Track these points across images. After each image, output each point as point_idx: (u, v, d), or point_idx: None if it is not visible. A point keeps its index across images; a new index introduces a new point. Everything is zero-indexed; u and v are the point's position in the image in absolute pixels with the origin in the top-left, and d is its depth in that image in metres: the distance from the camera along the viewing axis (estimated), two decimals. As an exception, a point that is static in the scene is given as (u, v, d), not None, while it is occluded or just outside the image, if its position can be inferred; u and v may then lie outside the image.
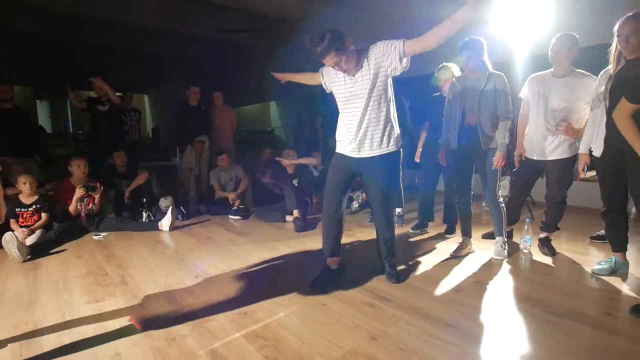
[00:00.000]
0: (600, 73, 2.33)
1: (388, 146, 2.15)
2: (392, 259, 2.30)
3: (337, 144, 2.24)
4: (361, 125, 2.08)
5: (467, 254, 2.69)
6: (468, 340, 1.58)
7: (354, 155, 2.14)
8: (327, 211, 2.21)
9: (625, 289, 2.07)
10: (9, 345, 1.63)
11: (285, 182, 4.04)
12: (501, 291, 2.10)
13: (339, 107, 2.19)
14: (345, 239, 2.55)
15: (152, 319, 1.84)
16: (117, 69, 10.73)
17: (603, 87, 2.21)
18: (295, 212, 3.68)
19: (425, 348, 1.53)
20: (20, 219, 3.21)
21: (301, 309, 1.90)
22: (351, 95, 2.08)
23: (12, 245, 2.69)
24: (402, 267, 2.45)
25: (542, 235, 2.78)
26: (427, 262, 2.57)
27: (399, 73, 2.04)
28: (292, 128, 9.00)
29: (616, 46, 2.10)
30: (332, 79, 2.15)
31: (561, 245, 2.84)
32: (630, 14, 2.00)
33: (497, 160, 2.48)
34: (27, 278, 2.45)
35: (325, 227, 2.24)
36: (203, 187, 4.76)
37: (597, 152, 2.26)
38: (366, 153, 2.12)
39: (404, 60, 1.98)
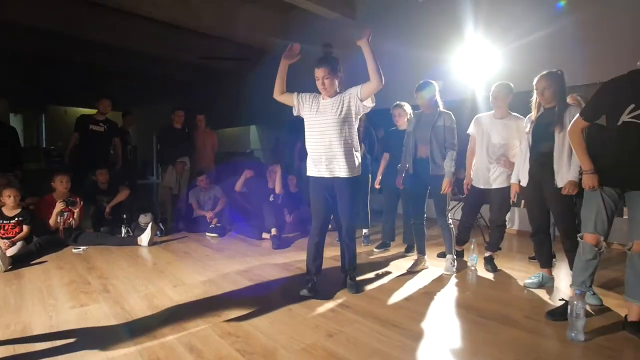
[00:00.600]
0: (526, 118, 2.78)
1: (353, 172, 2.44)
2: (352, 273, 2.61)
3: (307, 167, 2.55)
4: (326, 150, 2.39)
5: (421, 270, 3.03)
6: (410, 337, 1.89)
7: (327, 175, 2.44)
8: (314, 231, 2.49)
9: (546, 298, 2.45)
10: (6, 339, 1.80)
11: (262, 199, 4.32)
12: (445, 300, 2.43)
13: (306, 132, 2.50)
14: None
15: (135, 321, 2.05)
16: (97, 87, 10.88)
17: (527, 129, 2.67)
18: (273, 230, 3.95)
19: (373, 342, 1.82)
20: (2, 231, 3.32)
21: (269, 312, 2.16)
22: (318, 123, 2.42)
23: (-5, 255, 2.82)
24: (362, 279, 2.75)
25: (487, 254, 3.16)
26: (385, 277, 2.88)
27: (363, 111, 2.43)
28: (270, 150, 9.34)
29: (536, 97, 2.56)
30: (305, 105, 2.48)
31: (503, 263, 3.22)
32: (544, 72, 2.47)
33: (445, 185, 2.87)
34: (11, 286, 2.58)
35: (313, 247, 2.49)
36: (181, 205, 4.95)
37: (524, 182, 2.68)
38: (336, 174, 2.42)
39: (366, 100, 2.36)
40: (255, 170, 4.71)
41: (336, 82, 2.40)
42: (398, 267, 3.14)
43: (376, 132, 3.98)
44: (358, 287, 2.54)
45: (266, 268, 3.08)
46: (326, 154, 2.41)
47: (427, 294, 2.52)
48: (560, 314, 2.09)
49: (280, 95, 2.53)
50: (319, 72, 2.36)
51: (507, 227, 3.36)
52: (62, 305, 2.25)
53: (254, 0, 6.87)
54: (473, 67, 4.78)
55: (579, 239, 2.10)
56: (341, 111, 2.37)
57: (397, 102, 3.57)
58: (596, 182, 1.97)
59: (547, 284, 2.68)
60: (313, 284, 2.44)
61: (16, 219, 3.38)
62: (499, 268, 3.07)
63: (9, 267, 2.93)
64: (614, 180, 1.95)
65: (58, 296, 2.40)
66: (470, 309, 2.27)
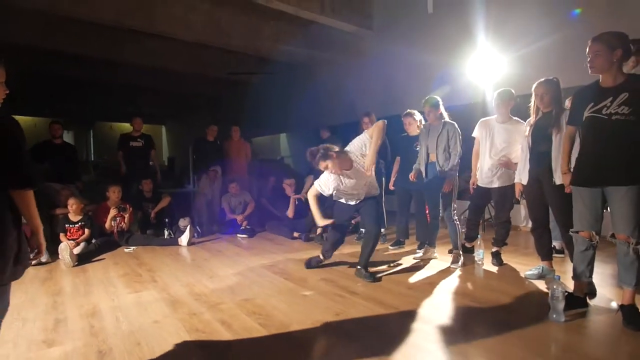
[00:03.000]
0: (526, 122, 2.99)
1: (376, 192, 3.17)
2: (366, 265, 2.96)
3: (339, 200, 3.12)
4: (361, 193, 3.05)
5: (428, 259, 3.35)
6: (407, 317, 2.19)
7: (353, 203, 3.07)
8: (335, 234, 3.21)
9: (543, 287, 2.65)
10: (79, 318, 2.29)
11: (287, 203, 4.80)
12: (445, 289, 2.70)
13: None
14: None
15: (178, 302, 2.49)
16: (138, 103, 11.90)
17: (527, 132, 2.89)
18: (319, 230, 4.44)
19: (373, 321, 2.16)
20: (68, 234, 3.93)
21: (287, 297, 2.54)
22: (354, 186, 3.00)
23: (66, 253, 3.41)
24: (374, 271, 3.06)
25: (494, 249, 3.37)
26: (395, 270, 3.18)
27: None
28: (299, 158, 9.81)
29: (534, 102, 2.79)
30: (332, 184, 2.99)
31: (510, 258, 3.41)
32: (542, 79, 2.70)
33: (446, 186, 3.17)
34: (79, 278, 3.13)
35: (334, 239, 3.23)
36: (216, 210, 5.47)
37: (524, 181, 2.90)
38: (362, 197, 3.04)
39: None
40: (282, 176, 5.19)
41: (338, 160, 2.88)
42: (408, 261, 3.42)
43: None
44: (373, 277, 2.88)
45: (289, 263, 3.46)
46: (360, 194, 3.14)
47: (431, 284, 2.80)
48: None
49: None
50: (322, 167, 2.91)
51: (523, 225, 3.55)
52: (121, 292, 2.74)
53: (278, 18, 7.36)
54: (483, 72, 4.97)
55: (570, 233, 2.30)
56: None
57: (408, 111, 3.87)
58: (567, 181, 2.20)
59: (547, 275, 2.87)
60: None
61: (79, 223, 3.99)
62: (504, 262, 3.28)
63: (76, 263, 3.51)
64: (580, 179, 2.16)
65: (117, 285, 2.91)
66: (466, 295, 2.53)
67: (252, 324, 2.12)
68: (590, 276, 2.27)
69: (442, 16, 5.49)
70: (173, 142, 17.38)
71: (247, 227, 4.91)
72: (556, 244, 3.47)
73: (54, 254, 3.65)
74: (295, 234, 4.55)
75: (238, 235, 4.78)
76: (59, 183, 4.52)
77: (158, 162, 5.51)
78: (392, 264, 3.32)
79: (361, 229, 4.47)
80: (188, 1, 6.26)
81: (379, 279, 2.89)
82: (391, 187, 4.09)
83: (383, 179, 4.25)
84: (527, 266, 3.18)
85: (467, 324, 2.10)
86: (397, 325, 2.09)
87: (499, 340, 1.90)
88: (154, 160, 5.43)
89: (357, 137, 3.02)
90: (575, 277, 2.26)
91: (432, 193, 3.40)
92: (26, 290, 2.81)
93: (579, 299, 2.24)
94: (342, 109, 7.32)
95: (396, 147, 4.05)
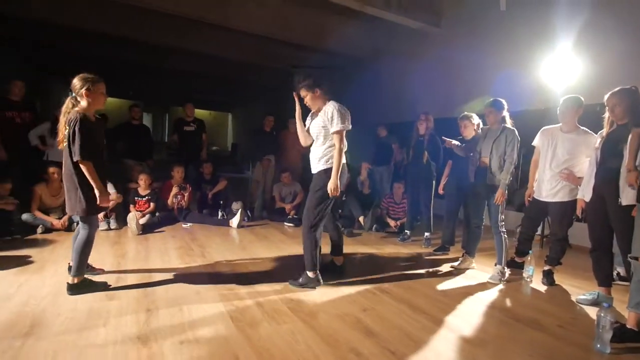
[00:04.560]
0: (598, 133, 2.74)
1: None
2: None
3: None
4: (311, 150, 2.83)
5: (465, 269, 3.23)
6: (433, 322, 2.17)
7: None
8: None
9: (595, 314, 2.43)
10: (134, 279, 2.61)
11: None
12: (481, 301, 2.60)
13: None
14: (375, 251, 3.24)
15: (221, 279, 2.71)
16: (206, 91, 12.77)
17: (597, 144, 2.65)
18: (361, 219, 4.70)
19: (398, 321, 2.16)
20: (137, 205, 4.42)
21: (320, 288, 2.63)
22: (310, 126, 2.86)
23: (133, 222, 3.86)
24: (409, 274, 3.04)
25: (546, 267, 3.15)
26: (433, 274, 3.12)
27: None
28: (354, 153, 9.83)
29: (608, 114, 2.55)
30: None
31: (564, 279, 3.15)
32: (615, 89, 2.47)
33: (498, 196, 2.99)
34: (141, 244, 3.53)
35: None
36: (267, 197, 5.73)
37: (587, 198, 2.67)
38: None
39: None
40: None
41: (316, 100, 2.77)
42: (447, 269, 3.32)
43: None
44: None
45: (329, 256, 3.55)
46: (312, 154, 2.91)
47: (467, 294, 2.71)
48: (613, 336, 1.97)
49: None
50: (301, 93, 2.78)
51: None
52: (174, 261, 3.05)
53: (341, 12, 7.41)
54: (557, 76, 4.57)
55: (629, 259, 2.10)
56: (320, 123, 2.78)
57: (464, 113, 3.71)
58: (633, 179, 1.98)
59: (602, 302, 2.61)
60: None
61: (147, 197, 4.46)
62: (556, 283, 3.05)
63: (140, 232, 3.94)
64: None
65: (171, 254, 3.23)
66: (503, 310, 2.42)
67: (284, 309, 2.25)
68: None
69: (516, 14, 5.13)
70: (237, 129, 18.34)
71: (295, 216, 5.09)
72: (620, 270, 3.15)
73: (124, 222, 4.13)
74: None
75: (285, 223, 4.98)
76: (133, 160, 5.07)
77: (206, 145, 5.81)
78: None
79: (406, 231, 4.41)
80: (259, -2, 6.57)
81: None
82: (440, 191, 3.97)
83: (434, 182, 4.15)
84: (581, 290, 2.94)
85: (496, 339, 2.02)
86: (421, 329, 2.08)
87: (529, 360, 1.82)
88: (203, 142, 5.75)
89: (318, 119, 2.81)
90: (631, 307, 2.05)
91: (476, 200, 3.23)
92: (98, 250, 3.23)
93: (632, 332, 2.04)
94: (402, 108, 7.17)
95: (450, 150, 3.91)
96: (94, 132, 2.27)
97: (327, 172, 2.67)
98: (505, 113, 3.13)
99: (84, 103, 2.27)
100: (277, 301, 2.35)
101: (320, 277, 2.69)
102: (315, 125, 2.79)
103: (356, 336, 1.95)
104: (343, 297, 2.47)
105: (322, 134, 2.75)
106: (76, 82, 2.26)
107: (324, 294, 2.51)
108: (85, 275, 2.37)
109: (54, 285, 2.37)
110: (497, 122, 3.12)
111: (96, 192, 2.24)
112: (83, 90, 2.23)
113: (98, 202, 2.27)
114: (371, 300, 2.43)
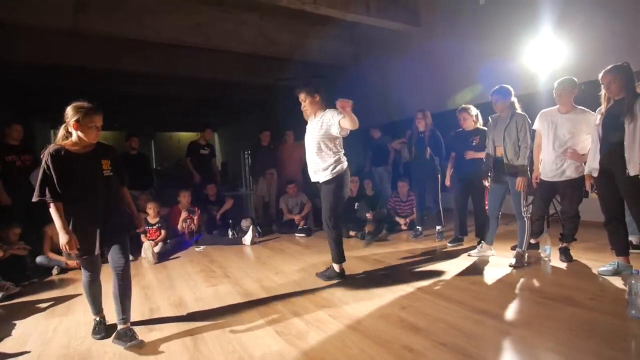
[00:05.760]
0: (597, 110, 2.86)
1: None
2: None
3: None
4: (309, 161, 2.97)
5: (484, 256, 3.33)
6: (470, 310, 2.22)
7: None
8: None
9: (619, 284, 2.53)
10: (168, 307, 2.60)
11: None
12: (511, 284, 2.67)
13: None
14: (391, 249, 3.28)
15: (252, 295, 2.72)
16: (192, 114, 12.75)
17: (598, 121, 2.77)
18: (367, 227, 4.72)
19: (438, 313, 2.21)
20: (148, 234, 4.38)
21: (352, 291, 2.67)
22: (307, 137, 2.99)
23: (149, 251, 3.83)
24: (434, 270, 3.09)
25: (561, 245, 3.25)
26: (455, 265, 3.19)
27: (341, 134, 2.88)
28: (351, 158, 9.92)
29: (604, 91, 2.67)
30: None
31: (581, 254, 3.26)
32: (608, 67, 2.60)
33: (519, 183, 3.06)
34: (162, 273, 3.50)
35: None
36: (272, 211, 5.75)
37: (595, 173, 2.78)
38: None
39: (343, 131, 2.83)
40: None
41: (314, 105, 2.92)
42: (468, 258, 3.40)
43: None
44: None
45: (349, 260, 3.54)
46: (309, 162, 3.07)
47: (494, 279, 2.79)
48: None
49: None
50: (300, 98, 2.94)
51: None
52: (200, 285, 3.04)
53: (323, 22, 7.54)
54: (541, 60, 4.75)
55: None
56: (321, 130, 2.91)
57: (463, 106, 3.82)
58: None
59: (623, 271, 2.72)
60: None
61: (157, 225, 4.43)
62: (574, 259, 3.14)
63: (157, 260, 3.91)
64: None
65: (195, 279, 3.22)
66: (533, 291, 2.49)
67: (323, 316, 2.27)
68: None
69: (495, 6, 5.32)
70: (225, 148, 18.30)
71: (304, 226, 5.11)
72: (633, 238, 3.27)
73: (135, 252, 4.09)
74: (352, 233, 4.66)
75: (296, 234, 5.00)
76: (137, 190, 5.03)
77: (217, 168, 5.91)
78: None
79: (417, 227, 4.49)
80: (238, 16, 6.64)
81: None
82: (447, 184, 4.05)
83: (439, 176, 4.24)
84: (600, 262, 3.03)
85: (535, 317, 2.09)
86: (463, 319, 2.13)
87: (571, 334, 1.88)
88: (214, 166, 5.83)
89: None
90: None
91: (495, 189, 3.33)
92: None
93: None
94: (392, 108, 7.32)
95: (451, 142, 4.01)
96: (74, 167, 2.00)
97: (335, 179, 2.86)
98: (514, 99, 3.17)
99: (73, 135, 2.03)
100: (316, 310, 2.37)
101: (344, 271, 2.98)
102: (314, 134, 2.90)
103: (404, 333, 1.99)
104: (378, 298, 2.50)
105: (323, 141, 2.88)
106: (69, 111, 2.01)
107: (358, 298, 2.54)
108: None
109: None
110: (505, 109, 3.16)
111: (60, 235, 2.02)
112: (72, 122, 1.99)
113: (60, 246, 2.05)
114: (406, 298, 2.48)
